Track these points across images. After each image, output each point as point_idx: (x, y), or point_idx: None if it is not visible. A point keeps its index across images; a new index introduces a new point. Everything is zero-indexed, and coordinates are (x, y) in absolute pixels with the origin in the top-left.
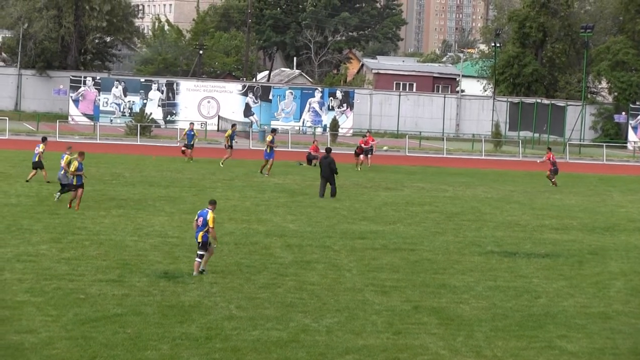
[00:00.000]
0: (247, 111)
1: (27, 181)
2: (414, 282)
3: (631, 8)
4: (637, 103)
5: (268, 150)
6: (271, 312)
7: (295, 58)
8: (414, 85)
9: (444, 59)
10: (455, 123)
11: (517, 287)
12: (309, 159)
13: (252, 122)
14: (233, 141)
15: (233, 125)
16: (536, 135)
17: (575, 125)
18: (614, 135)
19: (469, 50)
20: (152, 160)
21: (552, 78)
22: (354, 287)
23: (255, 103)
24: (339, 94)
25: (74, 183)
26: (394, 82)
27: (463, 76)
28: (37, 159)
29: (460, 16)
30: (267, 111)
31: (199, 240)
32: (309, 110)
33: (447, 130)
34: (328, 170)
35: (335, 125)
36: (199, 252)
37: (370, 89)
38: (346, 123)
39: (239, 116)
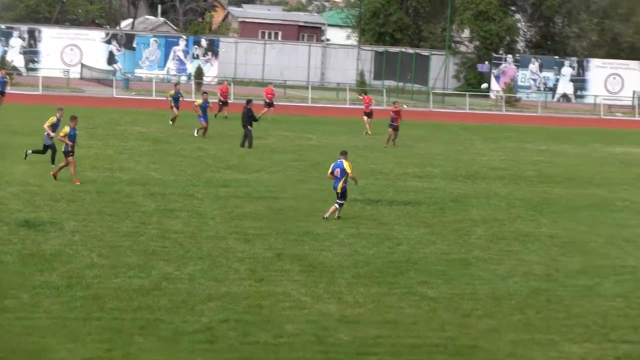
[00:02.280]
0: (111, 59)
1: None
2: (277, 230)
3: None
4: (500, 52)
5: None
6: (133, 260)
7: (159, 6)
8: (280, 34)
9: (310, 7)
10: (320, 72)
11: (379, 235)
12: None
13: (115, 70)
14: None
15: (176, 85)
16: (400, 84)
17: (439, 74)
18: (477, 85)
19: None
20: None
21: (416, 28)
22: (217, 235)
23: (119, 51)
24: (203, 43)
25: (64, 150)
26: (260, 31)
27: (328, 25)
28: None
29: None
30: (131, 59)
31: (338, 191)
32: (173, 59)
33: (312, 79)
34: (246, 119)
35: (199, 73)
36: (339, 201)
37: (235, 37)
38: (211, 71)
39: (102, 64)
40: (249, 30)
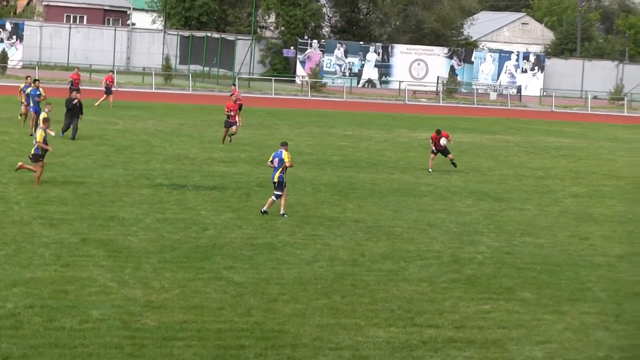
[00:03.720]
0: None
1: None
2: (82, 215)
3: None
4: (305, 38)
5: None
6: None
7: None
8: (85, 17)
9: None
10: (126, 56)
11: (186, 219)
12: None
13: None
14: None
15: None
16: (206, 69)
17: (244, 59)
18: (282, 70)
19: None
20: None
21: (222, 12)
22: (22, 219)
23: None
24: (8, 26)
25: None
26: (65, 15)
27: (134, 9)
28: None
29: None
30: None
31: (275, 180)
32: None
33: (117, 63)
34: (77, 109)
35: (4, 57)
36: (276, 192)
37: (40, 21)
38: (16, 55)
39: None
40: (54, 13)
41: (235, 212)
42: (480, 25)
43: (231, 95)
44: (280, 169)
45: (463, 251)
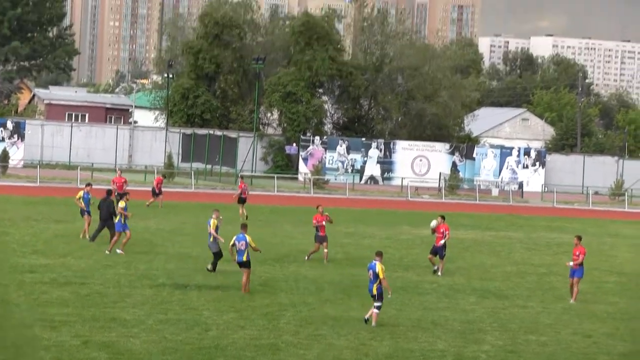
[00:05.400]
0: None
1: None
2: (84, 317)
3: (301, 40)
4: (308, 134)
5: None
6: None
7: None
8: (87, 115)
9: (117, 89)
10: (128, 154)
11: (188, 320)
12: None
13: None
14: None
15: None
16: (209, 166)
17: (247, 156)
18: (285, 167)
19: (142, 80)
20: None
21: (224, 109)
22: (23, 323)
23: None
24: (9, 125)
25: (243, 259)
26: (66, 113)
27: (136, 107)
28: None
29: (134, 47)
30: None
31: (374, 293)
32: None
33: (119, 161)
34: (107, 213)
35: (5, 156)
36: (376, 304)
37: (41, 119)
38: (17, 154)
39: None
40: (56, 112)
41: (238, 312)
42: (481, 120)
43: (318, 207)
44: (377, 282)
45: (467, 350)
